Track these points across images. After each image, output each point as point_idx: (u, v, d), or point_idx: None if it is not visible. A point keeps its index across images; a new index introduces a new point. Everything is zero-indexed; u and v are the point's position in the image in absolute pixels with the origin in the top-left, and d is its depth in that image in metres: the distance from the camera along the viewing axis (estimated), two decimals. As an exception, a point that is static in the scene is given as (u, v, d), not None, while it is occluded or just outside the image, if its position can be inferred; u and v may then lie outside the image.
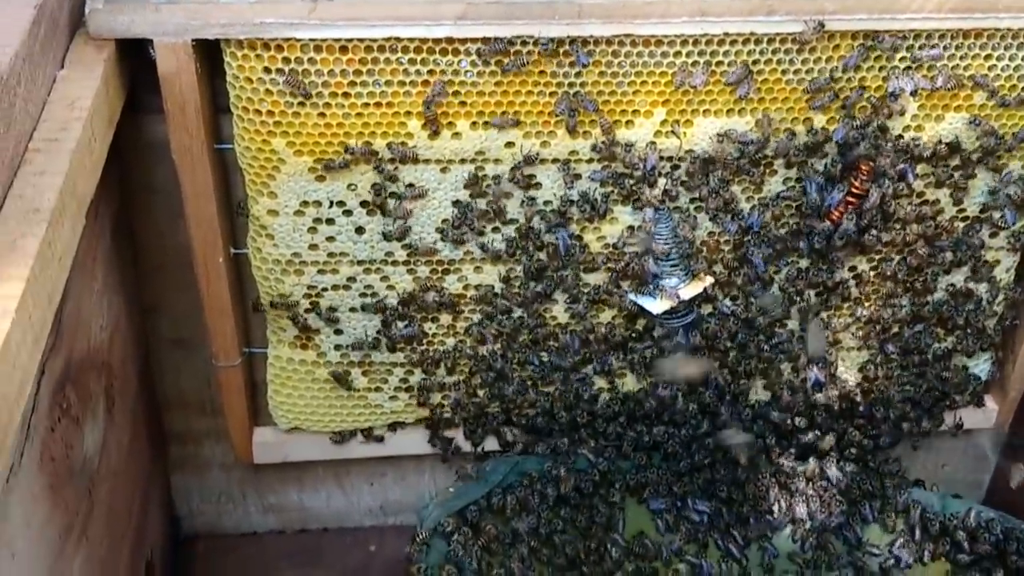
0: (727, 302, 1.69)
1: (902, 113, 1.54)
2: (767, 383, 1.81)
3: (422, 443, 1.87)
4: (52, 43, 1.30)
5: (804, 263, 1.68)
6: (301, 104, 1.47)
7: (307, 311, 1.68)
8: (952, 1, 1.44)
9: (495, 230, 1.62)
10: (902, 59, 1.50)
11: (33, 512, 1.22)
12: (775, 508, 1.84)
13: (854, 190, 1.55)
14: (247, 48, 1.42)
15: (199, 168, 1.50)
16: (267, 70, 1.44)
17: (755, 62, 1.49)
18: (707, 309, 1.71)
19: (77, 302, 1.39)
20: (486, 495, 1.70)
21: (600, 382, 1.78)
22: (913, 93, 1.50)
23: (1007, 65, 1.52)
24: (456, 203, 1.59)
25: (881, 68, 1.50)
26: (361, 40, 1.43)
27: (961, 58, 1.51)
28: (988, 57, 1.51)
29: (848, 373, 1.78)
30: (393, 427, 1.85)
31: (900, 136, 1.55)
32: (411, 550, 1.67)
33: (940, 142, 1.56)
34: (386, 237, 1.60)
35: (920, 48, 1.49)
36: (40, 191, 1.13)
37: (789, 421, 1.82)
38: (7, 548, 1.12)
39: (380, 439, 1.84)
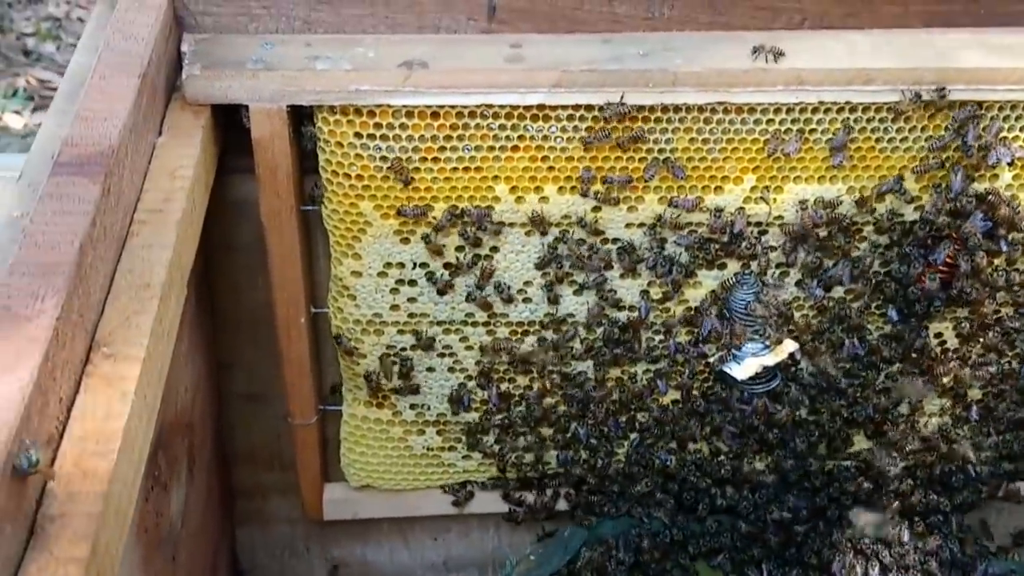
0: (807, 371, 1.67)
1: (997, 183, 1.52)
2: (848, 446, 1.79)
3: (489, 501, 1.86)
4: (152, 111, 1.30)
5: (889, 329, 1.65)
6: (391, 169, 1.46)
7: (382, 371, 1.67)
8: (1051, 73, 1.43)
9: (576, 293, 1.61)
10: (999, 130, 1.48)
11: (129, 585, 1.21)
12: (852, 573, 1.81)
13: (948, 259, 1.53)
14: (340, 114, 1.42)
15: (287, 229, 1.50)
16: (358, 135, 1.44)
17: (848, 131, 1.48)
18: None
19: (169, 368, 1.38)
20: (568, 563, 1.68)
21: (677, 447, 1.76)
22: (1011, 163, 1.48)
23: (1102, 135, 1.50)
24: (539, 265, 1.58)
25: (978, 138, 1.48)
26: (453, 107, 1.43)
27: (1056, 128, 1.50)
28: (1083, 127, 1.50)
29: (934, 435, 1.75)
30: (463, 485, 1.84)
31: (996, 206, 1.53)
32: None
33: (1033, 211, 1.54)
34: (468, 298, 1.59)
35: (1017, 119, 1.48)
36: (149, 265, 1.13)
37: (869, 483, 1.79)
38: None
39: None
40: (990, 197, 1.51)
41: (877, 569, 1.82)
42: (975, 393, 1.73)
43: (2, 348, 0.90)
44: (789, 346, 1.63)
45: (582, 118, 1.46)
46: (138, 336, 1.04)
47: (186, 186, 1.24)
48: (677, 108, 1.45)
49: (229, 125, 1.44)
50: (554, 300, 1.60)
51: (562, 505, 1.84)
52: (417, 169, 1.47)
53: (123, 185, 1.16)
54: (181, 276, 1.20)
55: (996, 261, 1.56)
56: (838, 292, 1.61)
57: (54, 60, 3.85)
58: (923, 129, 1.48)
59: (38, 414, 0.89)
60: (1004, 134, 1.49)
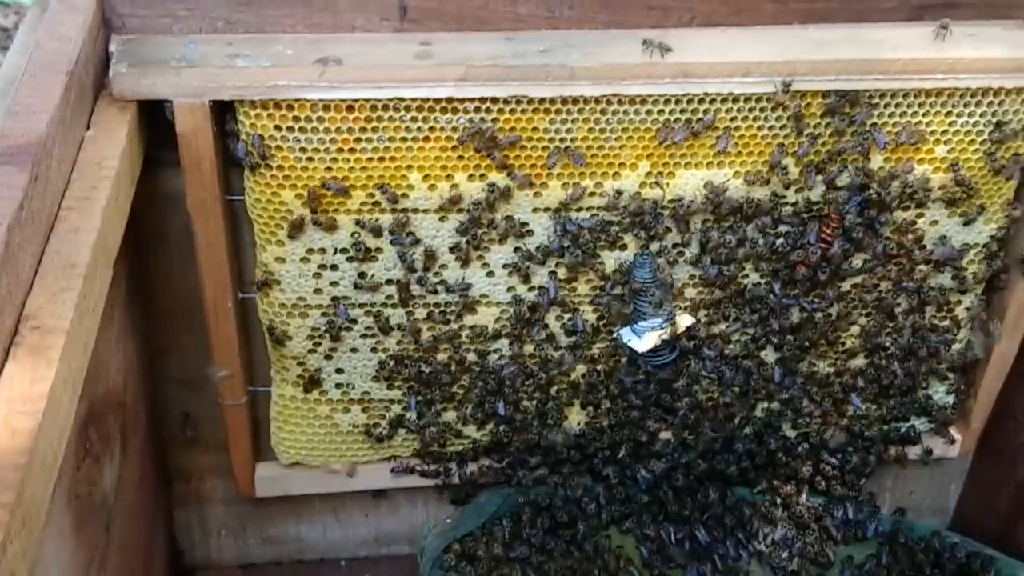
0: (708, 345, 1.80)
1: (870, 165, 1.66)
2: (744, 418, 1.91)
3: (415, 476, 1.96)
4: (80, 106, 1.39)
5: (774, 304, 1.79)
6: (309, 159, 1.56)
7: (310, 352, 1.77)
8: (914, 64, 1.56)
9: (489, 275, 1.72)
10: (870, 117, 1.62)
11: (61, 549, 1.30)
12: (752, 535, 1.94)
13: (824, 236, 1.66)
14: (260, 108, 1.52)
15: (212, 219, 1.59)
16: (278, 128, 1.54)
17: (733, 119, 1.60)
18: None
19: (99, 346, 1.47)
20: (482, 525, 1.78)
21: (588, 417, 1.88)
22: (882, 148, 1.61)
23: (966, 121, 1.64)
24: (453, 249, 1.69)
25: (851, 124, 1.61)
26: (367, 100, 1.53)
27: (924, 115, 1.63)
28: (948, 114, 1.63)
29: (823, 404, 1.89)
30: (388, 460, 1.94)
31: (867, 186, 1.66)
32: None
33: (904, 193, 1.68)
34: (386, 282, 1.69)
35: (886, 107, 1.61)
36: (76, 247, 1.22)
37: (769, 453, 1.92)
38: (43, 581, 1.20)
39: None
40: (863, 179, 1.64)
41: (782, 529, 1.96)
42: (859, 362, 1.87)
43: (-65, 319, 0.98)
44: (686, 320, 1.75)
45: (488, 110, 1.57)
46: (63, 311, 1.13)
47: (112, 176, 1.33)
48: (575, 100, 1.57)
49: (158, 123, 1.53)
50: (467, 282, 1.71)
51: (485, 478, 1.95)
52: (335, 159, 1.57)
53: (51, 174, 1.25)
54: (107, 259, 1.29)
55: (869, 238, 1.70)
56: (729, 269, 1.73)
57: None
58: (799, 117, 1.61)
59: (-31, 381, 0.98)
60: (875, 120, 1.62)
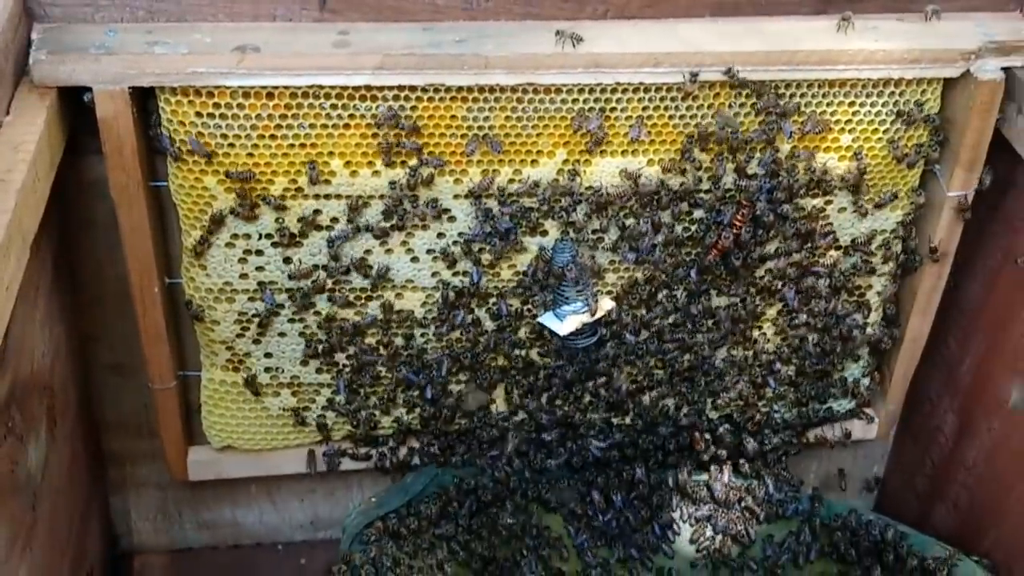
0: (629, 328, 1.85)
1: (777, 153, 1.72)
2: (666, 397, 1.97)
3: (349, 460, 1.99)
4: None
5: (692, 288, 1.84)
6: (231, 145, 1.60)
7: (238, 336, 1.80)
8: (816, 56, 1.62)
9: (414, 260, 1.76)
10: (775, 107, 1.67)
11: (-20, 522, 1.33)
12: (676, 514, 2.00)
13: (736, 221, 1.72)
14: (180, 95, 1.55)
15: (135, 205, 1.62)
16: (199, 114, 1.57)
17: (645, 108, 1.66)
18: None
19: (21, 329, 1.50)
20: (406, 504, 1.83)
21: (511, 398, 1.93)
22: (789, 136, 1.67)
23: (868, 111, 1.71)
24: (377, 235, 1.73)
25: (758, 113, 1.67)
26: (286, 87, 1.57)
27: (828, 104, 1.69)
28: (852, 104, 1.70)
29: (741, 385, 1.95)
30: (321, 444, 1.97)
31: (776, 174, 1.72)
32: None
33: (811, 180, 1.74)
34: (313, 267, 1.73)
35: (791, 97, 1.67)
36: (-11, 227, 1.25)
37: (691, 434, 1.98)
38: (-43, 553, 1.23)
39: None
40: (771, 167, 1.70)
41: (705, 508, 2.01)
42: (775, 344, 1.93)
43: None
44: (606, 304, 1.81)
45: (407, 98, 1.61)
46: (-26, 288, 1.16)
47: (28, 159, 1.36)
48: (492, 89, 1.62)
49: (82, 110, 1.55)
50: (390, 268, 1.75)
51: (415, 460, 1.99)
52: (256, 146, 1.61)
53: (-35, 156, 1.28)
54: (23, 239, 1.32)
55: (779, 224, 1.76)
56: (646, 255, 1.79)
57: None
58: (709, 107, 1.67)
59: None
60: (781, 110, 1.68)
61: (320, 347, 1.82)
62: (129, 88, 1.51)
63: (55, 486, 1.68)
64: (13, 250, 1.28)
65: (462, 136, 1.66)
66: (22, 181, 1.33)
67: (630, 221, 1.76)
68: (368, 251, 1.75)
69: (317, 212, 1.69)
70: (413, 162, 1.65)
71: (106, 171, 1.60)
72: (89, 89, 1.51)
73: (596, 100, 1.64)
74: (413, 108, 1.62)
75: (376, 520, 1.80)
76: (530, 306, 1.83)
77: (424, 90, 1.60)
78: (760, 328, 1.91)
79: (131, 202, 1.61)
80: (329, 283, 1.76)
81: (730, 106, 1.67)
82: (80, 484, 1.86)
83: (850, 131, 1.71)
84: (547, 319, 1.80)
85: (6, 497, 1.42)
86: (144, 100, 1.58)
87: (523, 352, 1.87)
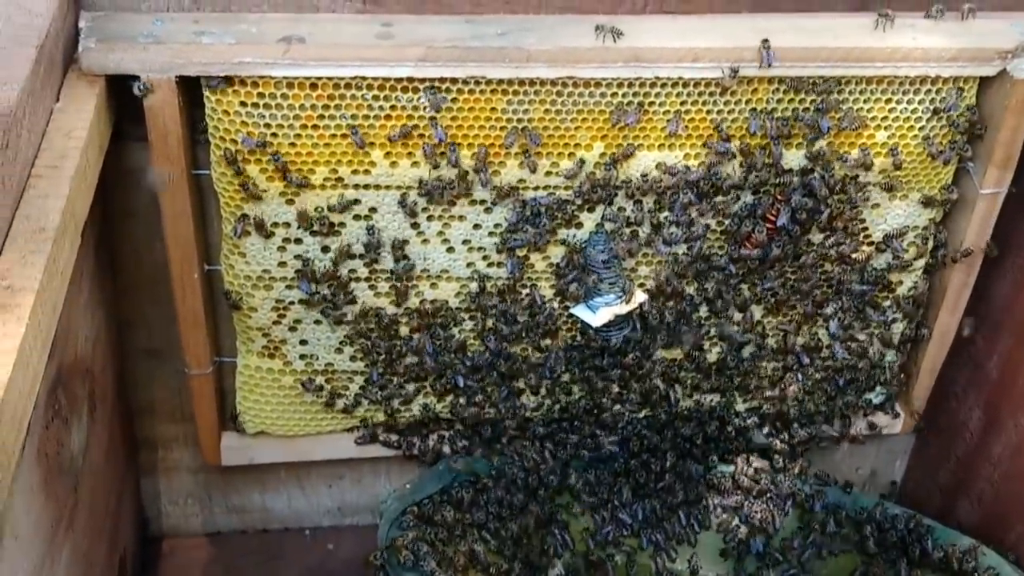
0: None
1: (813, 148, 1.73)
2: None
3: (380, 447, 2.02)
4: (50, 79, 1.43)
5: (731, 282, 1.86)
6: (274, 135, 1.62)
7: (275, 323, 1.82)
8: (855, 53, 1.63)
9: (450, 251, 1.78)
10: (812, 102, 1.69)
11: (31, 502, 1.35)
12: (703, 504, 2.01)
13: (769, 216, 1.73)
14: (225, 84, 1.57)
15: (178, 192, 1.64)
16: (243, 104, 1.59)
17: (683, 103, 1.67)
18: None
19: (68, 313, 1.51)
20: (440, 491, 1.85)
21: (546, 391, 1.95)
22: (825, 132, 1.69)
23: (905, 108, 1.72)
24: (414, 225, 1.74)
25: (795, 110, 1.69)
26: (329, 78, 1.58)
27: (865, 101, 1.70)
28: (888, 101, 1.71)
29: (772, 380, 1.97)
30: (351, 431, 2.00)
31: (811, 170, 1.74)
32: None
33: (846, 176, 1.75)
34: (349, 256, 1.75)
35: (828, 93, 1.68)
36: (45, 212, 1.27)
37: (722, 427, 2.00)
38: (11, 531, 1.25)
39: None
40: (806, 162, 1.72)
41: (732, 498, 2.03)
42: (805, 339, 1.94)
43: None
44: (639, 297, 1.82)
45: (447, 90, 1.63)
46: (33, 272, 1.18)
47: (80, 146, 1.38)
48: (532, 82, 1.63)
49: (127, 98, 1.57)
50: (427, 258, 1.77)
51: (446, 449, 2.01)
52: (299, 135, 1.63)
53: (21, 143, 1.30)
54: (75, 225, 1.34)
55: (813, 219, 1.77)
56: (681, 248, 1.80)
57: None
58: (747, 102, 1.68)
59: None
60: (819, 106, 1.69)
61: (356, 336, 1.84)
62: (176, 77, 1.53)
63: (94, 469, 1.70)
64: (68, 236, 1.30)
65: (501, 128, 1.67)
66: (75, 167, 1.34)
67: (665, 214, 1.77)
68: (405, 241, 1.76)
69: (356, 202, 1.70)
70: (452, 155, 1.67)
71: (146, 158, 1.62)
72: (136, 78, 1.53)
73: (635, 94, 1.66)
74: (454, 100, 1.63)
75: (412, 506, 1.82)
76: (563, 297, 1.84)
77: (465, 82, 1.62)
78: (792, 321, 1.92)
79: (174, 190, 1.63)
80: (365, 272, 1.78)
81: (767, 102, 1.68)
82: (116, 468, 1.88)
83: (886, 128, 1.73)
84: (580, 311, 1.82)
85: (53, 478, 1.45)
86: (190, 88, 1.59)
87: (558, 342, 1.89)
